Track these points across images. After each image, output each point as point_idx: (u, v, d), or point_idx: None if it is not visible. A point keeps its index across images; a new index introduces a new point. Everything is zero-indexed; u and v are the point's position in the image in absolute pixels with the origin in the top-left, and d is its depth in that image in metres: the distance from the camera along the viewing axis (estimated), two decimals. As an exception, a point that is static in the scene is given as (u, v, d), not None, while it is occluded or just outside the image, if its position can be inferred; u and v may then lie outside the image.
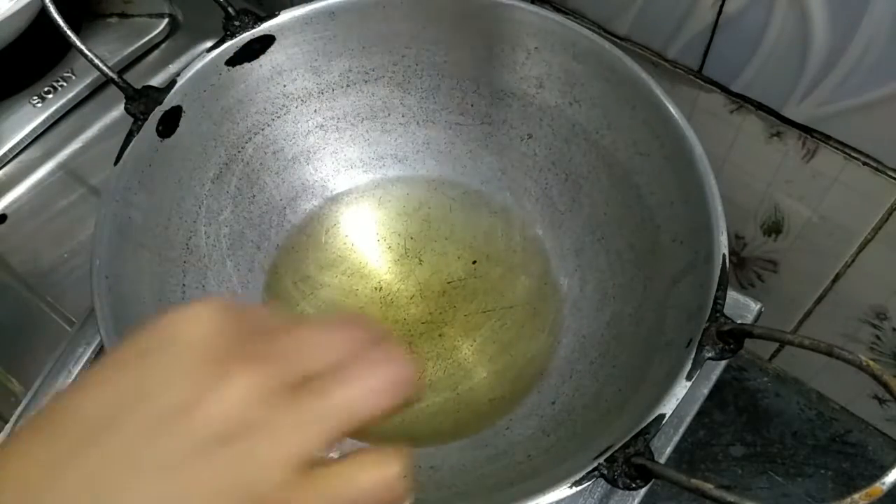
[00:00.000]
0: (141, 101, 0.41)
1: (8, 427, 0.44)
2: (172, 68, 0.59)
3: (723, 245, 0.35)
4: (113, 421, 0.20)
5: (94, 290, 0.36)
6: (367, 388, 0.21)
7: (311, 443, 0.20)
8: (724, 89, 0.44)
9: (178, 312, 0.21)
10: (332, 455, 0.21)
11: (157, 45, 0.60)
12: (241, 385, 0.20)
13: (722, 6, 0.40)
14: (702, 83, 0.45)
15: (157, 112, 0.41)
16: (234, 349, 0.21)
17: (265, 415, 0.20)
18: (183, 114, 0.42)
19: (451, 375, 0.44)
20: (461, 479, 0.39)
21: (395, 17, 0.45)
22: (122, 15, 0.61)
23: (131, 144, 0.40)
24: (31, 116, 0.55)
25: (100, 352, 0.46)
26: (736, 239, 0.52)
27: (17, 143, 0.55)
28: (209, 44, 0.44)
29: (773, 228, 0.49)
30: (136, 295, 0.39)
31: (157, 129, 0.41)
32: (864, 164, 0.42)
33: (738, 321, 0.33)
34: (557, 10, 0.47)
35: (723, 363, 0.45)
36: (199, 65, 0.42)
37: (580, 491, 0.31)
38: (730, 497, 0.27)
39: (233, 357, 0.21)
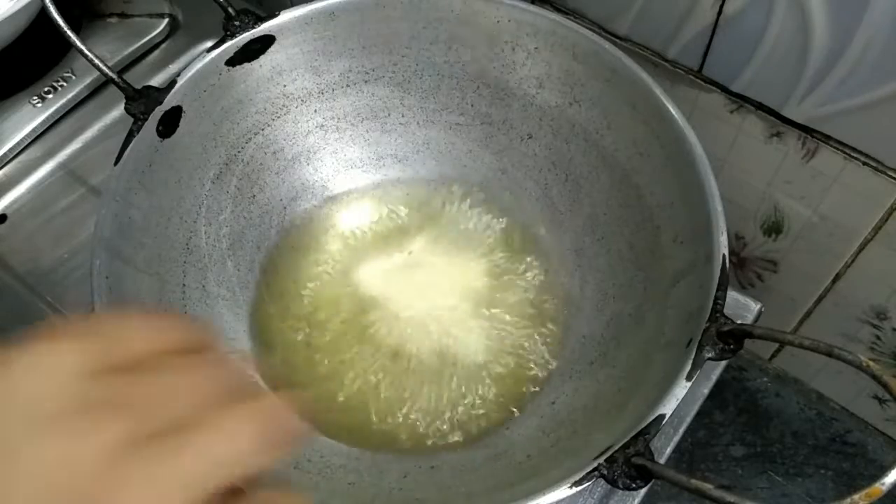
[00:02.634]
0: (141, 101, 0.41)
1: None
2: (172, 68, 0.59)
3: (723, 245, 0.35)
4: None
5: (94, 290, 0.36)
6: (235, 447, 0.20)
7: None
8: (724, 89, 0.44)
9: (20, 365, 0.20)
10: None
11: (157, 45, 0.60)
12: (94, 446, 0.18)
13: (722, 6, 0.40)
14: (702, 83, 0.45)
15: (157, 112, 0.41)
16: (83, 404, 0.19)
17: (123, 478, 0.18)
18: (183, 114, 0.42)
19: (450, 374, 0.44)
20: (461, 478, 0.39)
21: (395, 17, 0.45)
22: (122, 15, 0.61)
23: (131, 144, 0.40)
24: (31, 116, 0.55)
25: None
26: (736, 239, 0.52)
27: (17, 143, 0.55)
28: (209, 44, 0.44)
29: (773, 228, 0.49)
30: (136, 295, 0.39)
31: (157, 129, 0.41)
32: (864, 164, 0.42)
33: (738, 321, 0.33)
34: (557, 10, 0.47)
35: (723, 363, 0.45)
36: (199, 65, 0.42)
37: (580, 491, 0.31)
38: (730, 497, 0.27)
39: (83, 413, 0.19)
